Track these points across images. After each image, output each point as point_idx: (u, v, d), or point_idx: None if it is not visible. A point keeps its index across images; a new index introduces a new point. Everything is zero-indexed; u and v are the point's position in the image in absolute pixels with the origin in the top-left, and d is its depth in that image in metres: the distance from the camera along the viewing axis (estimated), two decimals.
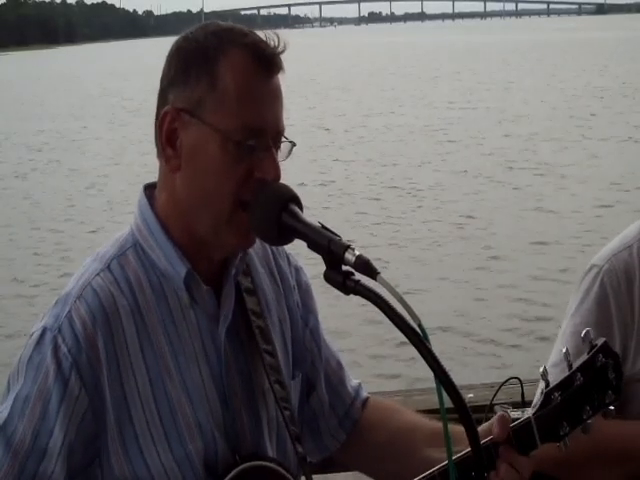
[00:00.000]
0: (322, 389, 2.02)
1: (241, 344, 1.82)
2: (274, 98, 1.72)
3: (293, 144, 1.74)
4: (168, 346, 1.72)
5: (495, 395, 3.00)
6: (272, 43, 1.72)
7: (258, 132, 1.68)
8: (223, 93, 1.67)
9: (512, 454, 1.75)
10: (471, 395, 3.06)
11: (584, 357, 1.84)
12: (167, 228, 1.75)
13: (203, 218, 1.71)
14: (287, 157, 1.74)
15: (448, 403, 1.45)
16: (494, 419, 1.78)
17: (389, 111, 29.62)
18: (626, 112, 26.54)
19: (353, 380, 2.09)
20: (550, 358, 2.33)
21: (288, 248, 1.94)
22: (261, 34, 1.73)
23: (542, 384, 1.84)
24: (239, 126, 1.67)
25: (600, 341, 1.86)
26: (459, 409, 1.45)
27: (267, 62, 1.70)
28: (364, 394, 2.08)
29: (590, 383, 1.82)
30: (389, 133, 25.11)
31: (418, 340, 1.45)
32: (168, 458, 1.70)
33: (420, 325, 1.45)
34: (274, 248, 1.95)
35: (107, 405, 1.67)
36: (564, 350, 1.85)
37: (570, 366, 1.83)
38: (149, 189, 1.81)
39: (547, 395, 1.81)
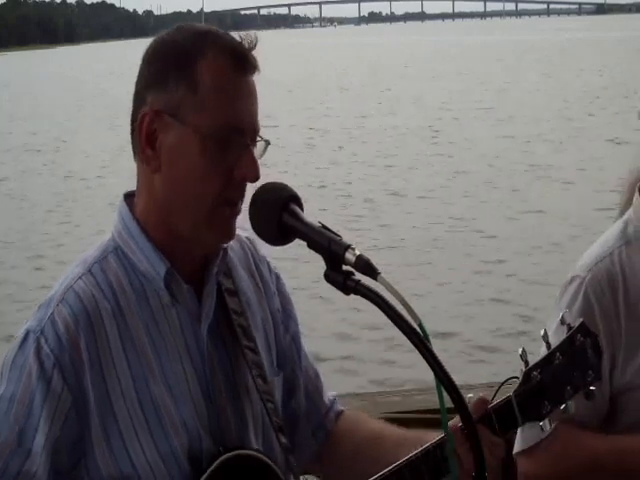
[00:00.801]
0: (301, 396, 2.04)
1: (223, 342, 1.84)
2: (250, 97, 1.75)
3: (267, 143, 1.77)
4: (150, 345, 1.75)
5: (495, 395, 3.01)
6: (247, 44, 1.76)
7: (236, 130, 1.72)
8: (201, 94, 1.71)
9: (486, 433, 1.77)
10: (471, 395, 3.06)
11: (562, 336, 1.85)
12: (147, 230, 1.78)
13: (183, 217, 1.74)
14: (262, 156, 1.77)
15: (448, 403, 1.45)
16: (474, 400, 1.82)
17: (386, 112, 29.45)
18: (624, 113, 26.37)
19: (329, 392, 2.10)
20: None
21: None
22: (236, 35, 1.77)
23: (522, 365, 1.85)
24: (218, 125, 1.70)
25: (578, 321, 1.86)
26: (459, 409, 1.45)
27: (243, 62, 1.74)
28: (339, 407, 2.10)
29: (569, 362, 1.83)
30: (385, 134, 24.98)
31: (419, 340, 1.46)
32: (153, 454, 1.72)
33: (421, 325, 1.46)
34: (255, 254, 1.97)
35: (90, 404, 1.69)
36: (542, 332, 1.85)
37: (549, 346, 1.84)
38: (129, 197, 1.83)
39: (527, 374, 1.82)
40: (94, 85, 50.90)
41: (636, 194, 2.37)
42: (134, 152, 1.79)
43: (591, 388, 1.86)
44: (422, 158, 20.82)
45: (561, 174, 17.90)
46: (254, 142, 1.75)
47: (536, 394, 1.81)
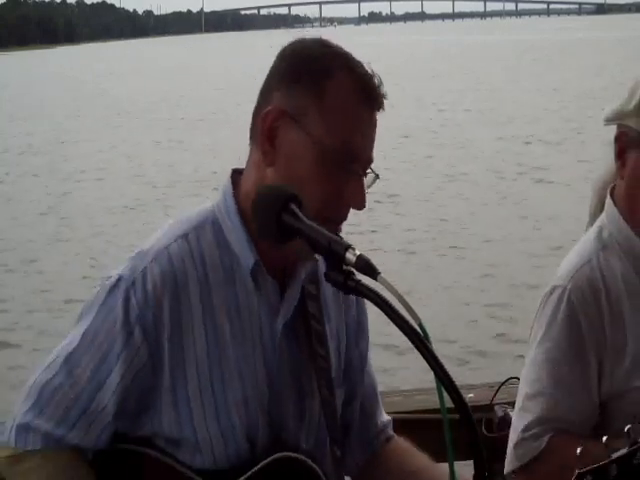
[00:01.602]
0: (356, 411, 2.07)
1: (297, 342, 1.88)
2: (372, 129, 1.82)
3: (377, 177, 1.82)
4: (228, 324, 1.80)
5: (495, 395, 3.01)
6: (377, 81, 1.81)
7: (354, 156, 1.77)
8: (329, 109, 1.76)
9: None
10: (471, 395, 3.07)
11: (623, 451, 1.81)
12: (245, 216, 1.81)
13: None
14: (370, 187, 1.81)
15: (448, 403, 1.45)
16: None
17: (380, 113, 28.90)
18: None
19: (384, 415, 2.13)
20: (522, 388, 2.30)
21: None
22: (369, 69, 1.83)
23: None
24: (338, 145, 1.75)
25: None
26: (459, 409, 1.45)
27: (374, 95, 1.80)
28: (390, 432, 2.13)
29: (625, 478, 1.79)
30: (380, 136, 24.71)
31: (419, 340, 1.46)
32: (214, 426, 1.78)
33: (421, 325, 1.46)
34: None
35: (165, 364, 1.76)
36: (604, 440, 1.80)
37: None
38: (236, 174, 1.88)
39: (579, 476, 1.78)
40: (94, 85, 50.68)
41: (608, 198, 2.37)
42: (250, 137, 1.84)
43: None
44: (420, 160, 20.57)
45: (560, 176, 17.61)
46: (365, 172, 1.80)
47: None
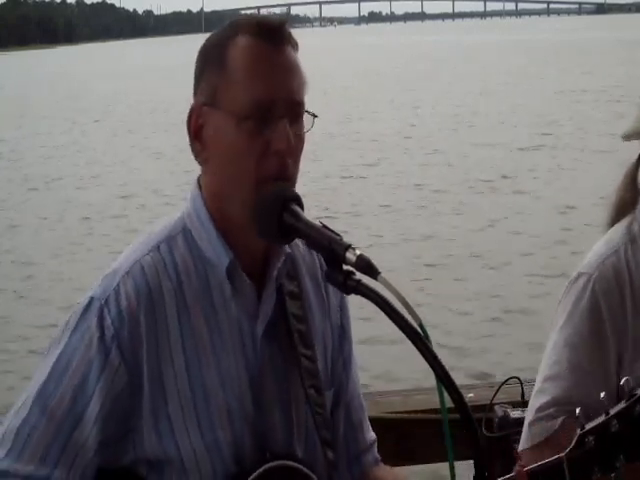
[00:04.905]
0: (340, 420, 1.99)
1: (279, 345, 1.83)
2: (284, 69, 1.73)
3: (314, 116, 1.76)
4: (207, 333, 1.75)
5: (495, 395, 3.01)
6: (276, 18, 1.77)
7: (268, 104, 1.70)
8: (231, 75, 1.72)
9: None
10: (471, 395, 3.07)
11: (622, 405, 1.82)
12: (215, 218, 1.78)
13: (234, 202, 1.74)
14: (309, 129, 1.76)
15: (449, 403, 1.46)
16: None
17: (361, 117, 28.25)
18: (612, 119, 25.09)
19: (371, 432, 2.07)
20: (541, 371, 2.30)
21: None
22: (265, 13, 1.80)
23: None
24: (249, 102, 1.69)
25: (638, 390, 1.82)
26: (460, 409, 1.45)
27: (272, 35, 1.73)
28: (377, 454, 2.06)
29: (626, 432, 1.80)
30: (357, 141, 24.02)
31: (419, 340, 1.46)
32: (198, 441, 1.72)
33: (421, 325, 1.46)
34: (324, 265, 1.90)
35: (144, 381, 1.70)
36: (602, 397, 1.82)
37: (607, 413, 1.80)
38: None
39: (581, 437, 1.80)
40: (91, 86, 50.56)
41: None
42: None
43: None
44: (407, 168, 19.86)
45: (535, 188, 16.77)
46: (293, 114, 1.72)
47: (588, 459, 1.80)
